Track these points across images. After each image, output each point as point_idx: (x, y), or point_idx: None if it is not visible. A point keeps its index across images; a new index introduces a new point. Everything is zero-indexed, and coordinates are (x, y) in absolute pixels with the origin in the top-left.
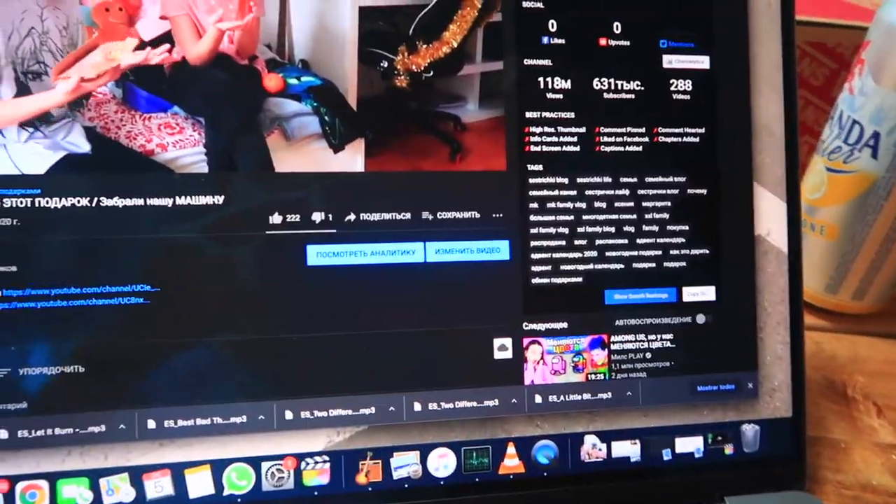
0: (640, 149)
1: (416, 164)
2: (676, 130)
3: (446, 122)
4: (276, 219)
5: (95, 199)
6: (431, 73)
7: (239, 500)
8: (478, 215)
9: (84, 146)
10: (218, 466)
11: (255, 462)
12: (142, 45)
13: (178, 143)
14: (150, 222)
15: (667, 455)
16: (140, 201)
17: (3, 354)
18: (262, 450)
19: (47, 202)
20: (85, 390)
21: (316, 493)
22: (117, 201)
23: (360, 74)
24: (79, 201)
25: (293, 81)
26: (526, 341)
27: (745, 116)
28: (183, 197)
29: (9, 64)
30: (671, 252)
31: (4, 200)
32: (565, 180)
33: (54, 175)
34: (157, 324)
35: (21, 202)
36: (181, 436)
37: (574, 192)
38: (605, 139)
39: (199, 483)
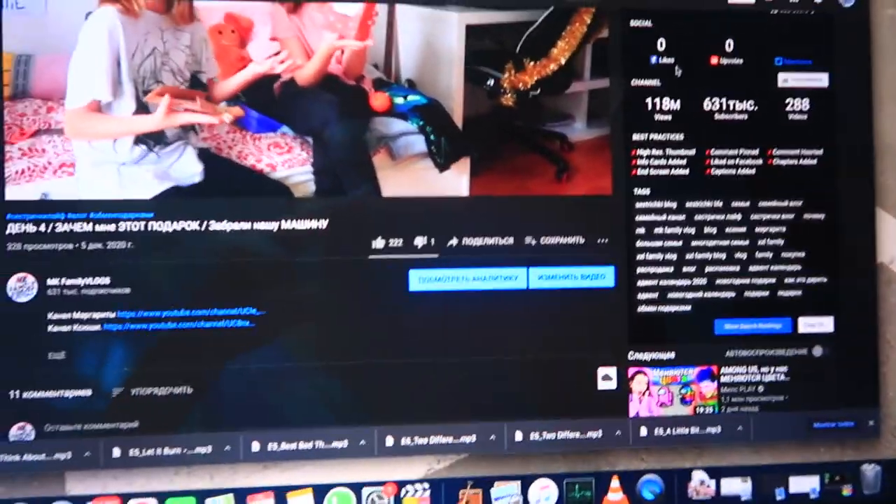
0: (752, 172)
1: (521, 183)
2: (792, 152)
3: (553, 140)
4: (378, 243)
5: (205, 224)
6: (538, 91)
7: None
8: (582, 241)
9: (194, 170)
10: (320, 491)
11: (356, 487)
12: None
13: (287, 162)
14: (256, 246)
15: (780, 495)
16: (247, 225)
17: (117, 374)
18: (362, 475)
19: (159, 226)
20: (192, 411)
21: None
22: (226, 225)
23: (467, 93)
24: (189, 225)
25: (399, 100)
26: (631, 371)
27: (866, 136)
28: (288, 220)
29: (130, 82)
30: (786, 280)
31: (120, 224)
32: (674, 205)
33: (166, 200)
34: (262, 347)
35: (135, 226)
36: (284, 459)
37: (683, 217)
38: (716, 162)
39: None
